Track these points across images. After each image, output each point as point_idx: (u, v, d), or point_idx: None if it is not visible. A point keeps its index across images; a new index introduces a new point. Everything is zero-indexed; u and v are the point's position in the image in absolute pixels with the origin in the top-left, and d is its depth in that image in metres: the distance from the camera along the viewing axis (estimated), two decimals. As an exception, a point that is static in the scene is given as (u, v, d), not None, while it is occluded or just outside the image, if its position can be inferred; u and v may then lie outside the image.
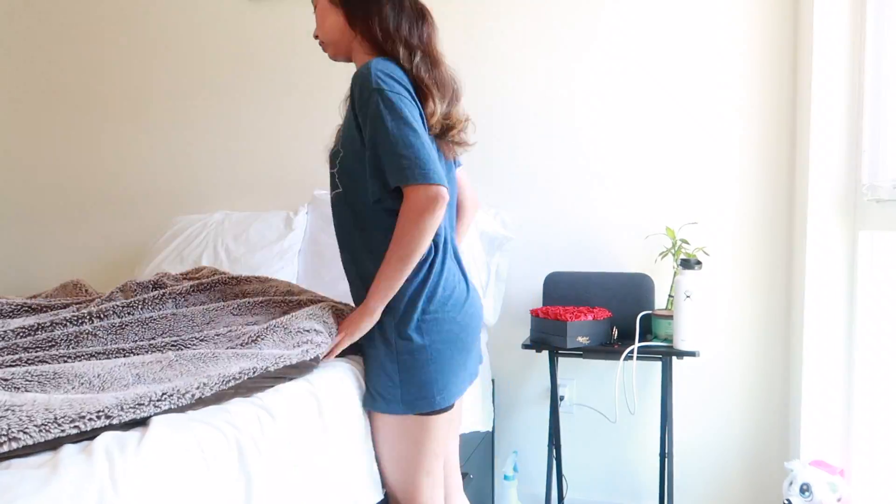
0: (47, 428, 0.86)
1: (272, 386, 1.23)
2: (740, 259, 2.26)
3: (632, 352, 1.98)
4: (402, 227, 1.33)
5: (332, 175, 1.48)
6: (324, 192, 2.52)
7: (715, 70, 2.26)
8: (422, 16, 1.47)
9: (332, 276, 2.34)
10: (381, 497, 1.47)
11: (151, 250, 2.53)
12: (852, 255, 1.97)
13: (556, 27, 2.40)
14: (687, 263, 1.97)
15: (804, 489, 1.85)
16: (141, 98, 2.90)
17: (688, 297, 1.95)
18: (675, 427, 2.29)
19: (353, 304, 1.54)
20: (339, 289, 2.33)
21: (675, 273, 2.06)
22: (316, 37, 1.54)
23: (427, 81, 1.42)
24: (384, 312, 1.39)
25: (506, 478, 2.35)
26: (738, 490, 2.29)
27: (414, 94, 1.39)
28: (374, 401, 1.42)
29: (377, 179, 1.37)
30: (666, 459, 2.09)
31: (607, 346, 2.06)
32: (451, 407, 1.44)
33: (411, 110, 1.34)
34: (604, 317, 2.08)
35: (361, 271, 1.46)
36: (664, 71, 2.30)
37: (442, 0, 2.49)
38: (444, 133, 1.46)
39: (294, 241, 2.39)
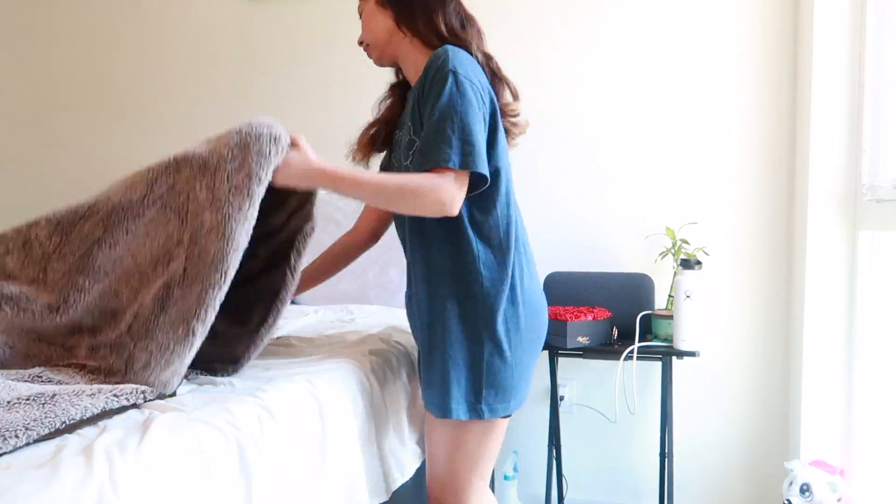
0: None
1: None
2: (740, 259, 2.26)
3: (632, 352, 1.98)
4: (410, 183, 1.27)
5: (405, 168, 1.39)
6: (324, 192, 2.51)
7: (715, 70, 2.26)
8: (472, 20, 1.47)
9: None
10: (385, 498, 1.47)
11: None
12: (852, 255, 1.97)
13: (556, 27, 2.40)
14: (687, 263, 1.97)
15: (804, 489, 1.85)
16: (141, 98, 2.90)
17: (688, 297, 1.95)
18: (675, 427, 2.29)
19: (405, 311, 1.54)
20: (339, 288, 2.33)
21: (675, 273, 2.06)
22: (360, 42, 1.51)
23: (503, 72, 1.43)
24: (468, 310, 1.35)
25: (506, 478, 2.35)
26: (738, 490, 2.29)
27: (492, 89, 1.38)
28: (436, 405, 1.38)
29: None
30: (666, 459, 2.09)
31: (607, 346, 2.06)
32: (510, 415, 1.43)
33: (481, 103, 1.32)
34: (604, 317, 2.08)
35: (434, 264, 1.39)
36: (664, 71, 2.30)
37: (442, 0, 2.50)
38: (512, 128, 1.48)
39: (294, 241, 2.39)
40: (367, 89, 2.59)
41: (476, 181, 1.32)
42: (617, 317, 2.13)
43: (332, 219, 2.41)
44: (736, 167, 2.25)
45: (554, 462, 2.24)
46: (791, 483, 1.88)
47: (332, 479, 1.28)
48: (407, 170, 1.38)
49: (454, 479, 1.43)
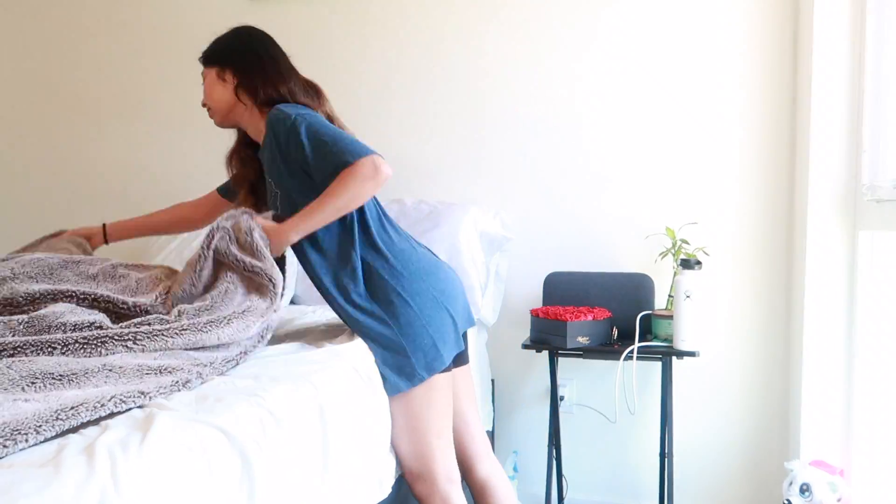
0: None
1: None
2: (740, 259, 2.26)
3: (632, 352, 1.98)
4: (342, 183, 1.49)
5: (275, 217, 1.63)
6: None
7: (715, 70, 2.26)
8: (314, 87, 1.71)
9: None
10: (384, 496, 1.47)
11: (151, 250, 2.52)
12: (852, 255, 1.97)
13: (556, 27, 2.40)
14: (687, 263, 1.97)
15: (804, 489, 1.85)
16: (141, 98, 2.89)
17: (688, 297, 1.95)
18: (675, 427, 2.29)
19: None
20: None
21: (675, 273, 2.06)
22: (204, 104, 1.72)
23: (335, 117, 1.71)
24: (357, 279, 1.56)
25: (506, 478, 2.35)
26: (738, 490, 2.29)
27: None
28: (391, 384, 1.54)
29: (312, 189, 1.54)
30: (666, 459, 2.09)
31: (607, 346, 2.06)
32: (448, 368, 1.60)
33: (325, 123, 1.56)
34: (604, 317, 2.08)
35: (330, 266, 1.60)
36: (664, 71, 2.30)
37: (443, 0, 2.50)
38: None
39: (294, 241, 2.39)
40: (368, 89, 2.61)
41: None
42: (617, 317, 2.13)
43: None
44: (736, 167, 2.25)
45: (554, 462, 2.24)
46: (791, 483, 1.88)
47: (333, 479, 1.28)
48: (277, 219, 1.61)
49: (417, 443, 1.56)
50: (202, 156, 2.80)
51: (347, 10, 2.62)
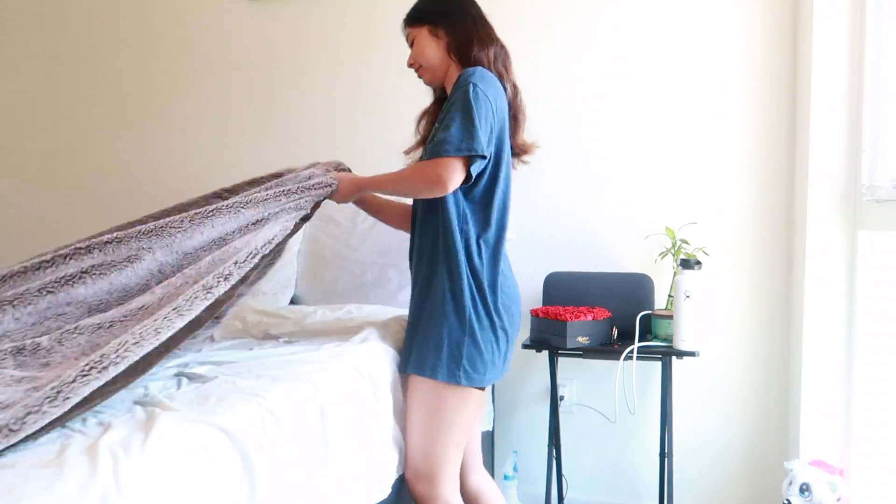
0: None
1: None
2: (740, 259, 2.26)
3: (632, 352, 1.99)
4: (417, 169, 1.52)
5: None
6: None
7: (715, 70, 2.26)
8: (504, 50, 1.70)
9: (332, 276, 2.34)
10: (383, 497, 1.47)
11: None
12: (852, 255, 1.97)
13: (556, 27, 2.40)
14: (687, 263, 1.98)
15: (804, 489, 1.85)
16: (141, 98, 2.89)
17: (688, 297, 1.96)
18: (675, 427, 2.29)
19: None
20: (338, 289, 2.33)
21: (675, 273, 2.06)
22: (411, 64, 1.70)
23: (521, 112, 1.68)
24: (463, 285, 1.54)
25: (506, 478, 2.35)
26: (738, 490, 2.29)
27: (507, 115, 1.60)
28: (421, 365, 1.54)
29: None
30: (666, 459, 2.10)
31: (607, 346, 2.06)
32: (483, 388, 1.61)
33: (488, 118, 1.50)
34: (604, 317, 2.08)
35: (437, 245, 1.58)
36: (664, 71, 2.31)
37: (442, 0, 2.50)
38: (519, 154, 1.74)
39: (293, 242, 2.39)
40: (369, 89, 2.61)
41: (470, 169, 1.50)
42: (617, 317, 2.14)
43: (332, 219, 2.42)
44: (736, 167, 2.26)
45: (554, 462, 2.24)
46: (791, 483, 1.89)
47: (333, 477, 1.28)
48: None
49: (433, 444, 1.54)
50: (203, 156, 2.80)
51: (347, 11, 2.62)
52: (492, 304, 1.57)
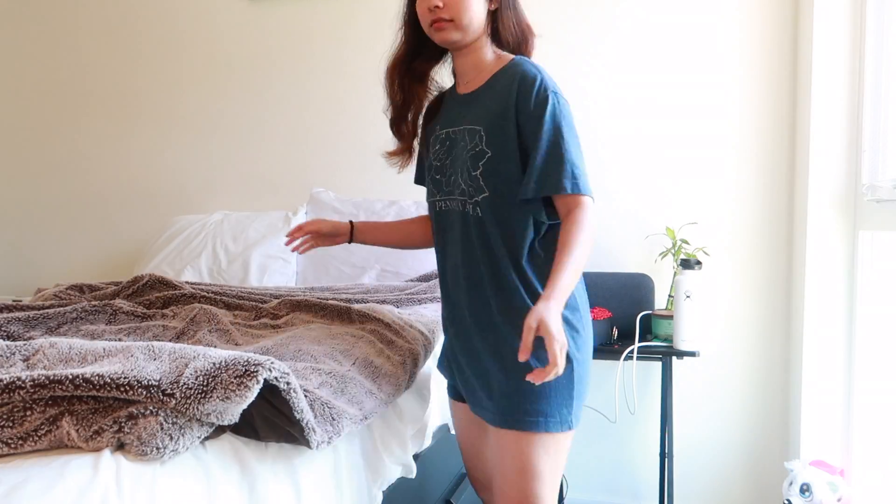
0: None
1: None
2: (740, 259, 2.26)
3: (632, 352, 1.99)
4: (584, 231, 1.23)
5: (473, 178, 1.32)
6: (321, 191, 2.51)
7: (715, 70, 2.26)
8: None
9: (332, 276, 2.34)
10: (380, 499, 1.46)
11: (151, 250, 2.52)
12: (852, 254, 1.97)
13: (557, 28, 2.40)
14: (687, 263, 1.98)
15: (804, 489, 1.85)
16: (140, 98, 2.89)
17: (688, 297, 1.96)
18: (675, 427, 2.29)
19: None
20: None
21: (675, 273, 2.06)
22: (438, 19, 1.31)
23: None
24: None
25: (506, 478, 2.35)
26: (738, 490, 2.29)
27: None
28: (538, 422, 1.28)
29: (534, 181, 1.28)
30: (666, 459, 2.10)
31: (607, 346, 2.06)
32: None
33: (571, 119, 1.32)
34: (604, 317, 2.08)
35: (500, 277, 1.32)
36: (664, 71, 2.30)
37: None
38: None
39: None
40: (369, 89, 2.60)
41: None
42: (617, 317, 2.14)
43: (333, 208, 2.42)
44: (736, 167, 2.26)
45: (554, 462, 2.23)
46: (791, 483, 1.89)
47: (334, 480, 1.27)
48: (472, 177, 1.33)
49: (534, 498, 1.34)
50: (202, 156, 2.80)
51: (347, 11, 2.62)
52: (584, 329, 1.33)
